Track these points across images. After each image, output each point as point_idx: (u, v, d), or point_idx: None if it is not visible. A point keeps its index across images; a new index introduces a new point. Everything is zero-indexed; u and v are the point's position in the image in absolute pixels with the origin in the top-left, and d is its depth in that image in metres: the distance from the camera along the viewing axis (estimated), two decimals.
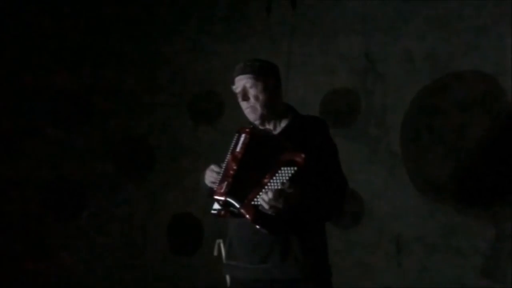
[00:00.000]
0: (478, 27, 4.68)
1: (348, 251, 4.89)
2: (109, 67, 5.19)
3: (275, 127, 3.00)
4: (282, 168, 2.73)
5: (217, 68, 5.09)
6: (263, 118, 2.97)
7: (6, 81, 5.11)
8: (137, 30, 5.21)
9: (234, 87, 3.00)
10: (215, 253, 3.46)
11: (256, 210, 2.73)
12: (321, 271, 2.94)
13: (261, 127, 3.01)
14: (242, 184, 2.77)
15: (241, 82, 2.97)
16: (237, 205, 2.75)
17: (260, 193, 2.72)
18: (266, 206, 2.70)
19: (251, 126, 2.94)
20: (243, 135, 2.84)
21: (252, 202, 2.73)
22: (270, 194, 2.69)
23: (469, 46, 4.69)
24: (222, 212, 2.85)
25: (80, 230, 5.15)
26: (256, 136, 2.85)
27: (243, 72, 2.96)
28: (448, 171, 4.74)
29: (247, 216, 2.73)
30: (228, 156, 2.84)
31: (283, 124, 3.00)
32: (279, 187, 2.70)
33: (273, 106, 2.97)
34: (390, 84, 4.87)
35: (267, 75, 2.96)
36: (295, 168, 2.72)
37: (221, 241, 3.42)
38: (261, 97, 2.94)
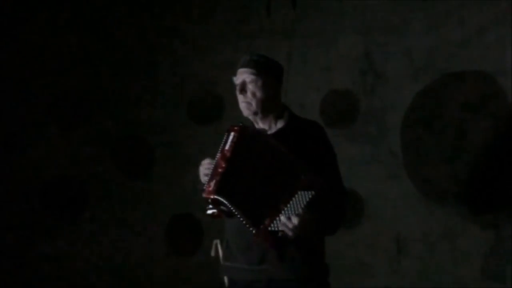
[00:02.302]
0: (478, 27, 4.67)
1: (348, 251, 4.89)
2: (109, 67, 5.19)
3: (270, 127, 2.98)
4: (300, 193, 2.73)
5: (217, 68, 5.08)
6: (257, 115, 2.96)
7: (6, 81, 5.11)
8: (137, 29, 5.21)
9: (235, 78, 2.99)
10: (212, 253, 3.45)
11: (274, 236, 2.73)
12: (319, 272, 2.94)
13: (255, 125, 3.00)
14: (233, 183, 2.76)
15: (242, 76, 2.95)
16: (252, 230, 2.74)
17: (277, 218, 2.72)
18: (289, 233, 2.71)
19: (241, 124, 2.92)
20: (232, 133, 2.83)
21: (269, 228, 2.73)
22: (295, 221, 2.70)
23: (469, 46, 4.69)
24: (215, 212, 2.85)
25: (80, 230, 5.15)
26: (246, 134, 2.83)
27: (246, 66, 2.95)
28: (448, 171, 4.74)
29: (265, 243, 2.73)
30: (218, 155, 2.83)
31: (279, 125, 2.98)
32: (298, 212, 2.70)
33: (269, 105, 2.95)
34: (390, 84, 4.87)
35: (269, 74, 2.94)
36: (313, 193, 2.72)
37: (218, 241, 3.41)
38: (258, 94, 2.93)
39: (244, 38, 5.09)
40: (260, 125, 2.99)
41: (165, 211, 5.18)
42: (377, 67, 4.89)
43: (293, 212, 2.70)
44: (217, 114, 5.11)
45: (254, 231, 2.73)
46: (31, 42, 5.14)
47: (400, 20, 4.83)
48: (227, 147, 2.81)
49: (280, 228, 2.71)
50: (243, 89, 2.94)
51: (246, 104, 2.95)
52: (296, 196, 2.72)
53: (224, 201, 2.75)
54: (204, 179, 2.90)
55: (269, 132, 2.96)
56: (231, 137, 2.82)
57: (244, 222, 2.73)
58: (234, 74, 2.99)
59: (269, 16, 5.03)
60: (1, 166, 5.09)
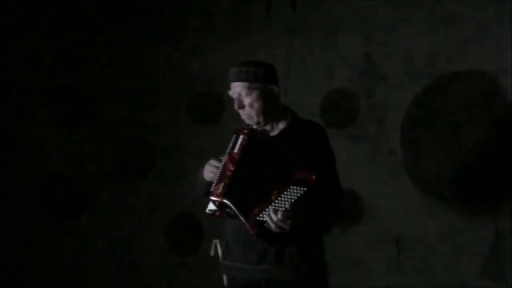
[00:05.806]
0: (478, 27, 4.68)
1: (348, 251, 4.89)
2: (109, 67, 5.19)
3: (272, 129, 2.98)
4: (292, 187, 2.72)
5: (217, 68, 5.08)
6: (260, 124, 2.96)
7: (6, 80, 5.12)
8: (137, 29, 5.21)
9: (230, 92, 2.98)
10: (212, 253, 3.46)
11: (261, 226, 2.72)
12: (317, 272, 2.94)
13: (258, 129, 3.00)
14: (240, 186, 2.76)
15: (236, 90, 2.93)
16: (241, 218, 2.73)
17: (267, 209, 2.72)
18: (272, 226, 2.70)
19: (250, 127, 2.94)
20: (241, 136, 2.84)
21: (258, 218, 2.73)
22: (279, 215, 2.68)
23: (469, 46, 4.69)
24: (217, 213, 2.85)
25: (80, 230, 5.16)
26: (254, 138, 2.84)
27: (237, 79, 2.92)
28: (448, 171, 4.74)
29: (252, 231, 2.72)
30: (226, 157, 2.83)
31: (281, 126, 2.97)
32: (287, 207, 2.69)
33: (269, 112, 2.94)
34: (390, 84, 4.88)
35: (262, 81, 2.91)
36: (305, 189, 2.72)
37: (217, 241, 3.42)
38: (256, 105, 2.91)
39: (244, 38, 5.09)
40: (263, 127, 2.99)
41: (165, 211, 5.18)
42: (377, 67, 4.89)
43: (282, 205, 2.70)
44: (217, 114, 5.11)
45: (243, 219, 2.73)
46: (30, 41, 5.14)
47: (400, 20, 4.83)
48: (236, 150, 2.81)
49: (266, 219, 2.71)
50: (240, 103, 2.93)
51: (247, 116, 2.95)
52: (288, 190, 2.72)
53: (231, 205, 2.75)
54: (208, 176, 2.90)
55: (271, 133, 2.97)
56: (240, 140, 2.83)
57: (237, 211, 2.74)
58: (228, 87, 2.97)
59: (269, 16, 5.03)
60: (1, 166, 5.09)
